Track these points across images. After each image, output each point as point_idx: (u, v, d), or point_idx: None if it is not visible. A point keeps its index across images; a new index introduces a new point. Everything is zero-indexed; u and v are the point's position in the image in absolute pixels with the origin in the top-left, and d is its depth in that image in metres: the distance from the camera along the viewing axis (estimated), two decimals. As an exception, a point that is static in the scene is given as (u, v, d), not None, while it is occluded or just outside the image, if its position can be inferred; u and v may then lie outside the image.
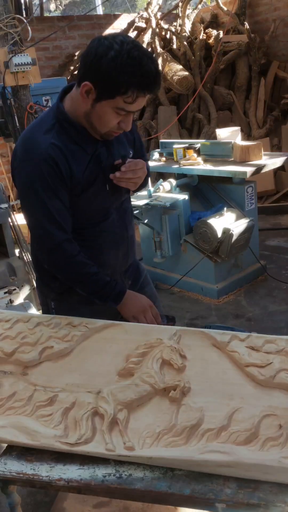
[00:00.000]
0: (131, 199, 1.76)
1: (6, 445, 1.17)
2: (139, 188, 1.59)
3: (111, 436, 1.09)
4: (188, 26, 6.37)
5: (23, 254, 3.31)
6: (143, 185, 1.60)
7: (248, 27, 5.79)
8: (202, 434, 1.05)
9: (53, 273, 1.49)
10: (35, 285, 3.33)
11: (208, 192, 3.89)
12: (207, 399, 1.13)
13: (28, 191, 1.36)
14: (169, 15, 7.11)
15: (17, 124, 2.96)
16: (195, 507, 1.04)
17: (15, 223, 3.28)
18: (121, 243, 1.56)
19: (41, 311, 3.27)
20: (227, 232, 3.29)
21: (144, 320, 1.46)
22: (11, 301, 2.97)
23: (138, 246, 2.53)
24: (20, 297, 3.05)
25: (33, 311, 2.95)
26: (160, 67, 1.33)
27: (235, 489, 0.98)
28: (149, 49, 6.46)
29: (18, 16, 2.74)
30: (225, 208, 3.46)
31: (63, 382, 1.25)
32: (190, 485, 1.00)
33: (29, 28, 2.76)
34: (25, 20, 2.71)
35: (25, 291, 3.14)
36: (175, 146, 3.95)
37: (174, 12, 6.97)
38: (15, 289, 3.04)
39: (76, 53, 6.60)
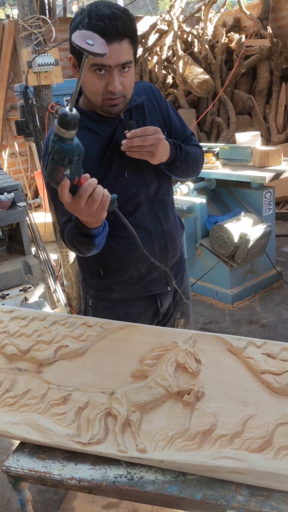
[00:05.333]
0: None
1: (19, 441, 1.18)
2: (177, 171, 1.46)
3: (124, 437, 1.09)
4: (210, 30, 6.37)
5: (39, 253, 3.34)
6: (177, 163, 1.43)
7: (270, 31, 5.76)
8: (215, 439, 1.04)
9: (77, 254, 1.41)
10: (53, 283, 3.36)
11: (225, 196, 3.88)
12: (221, 405, 1.13)
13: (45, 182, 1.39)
14: (191, 18, 7.11)
15: (38, 124, 2.98)
16: (206, 513, 1.03)
17: (32, 222, 3.31)
18: (156, 237, 1.48)
19: (55, 309, 3.31)
20: (243, 237, 3.27)
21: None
22: (26, 299, 3.00)
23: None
24: (35, 295, 3.08)
25: (48, 309, 2.98)
26: (120, 10, 1.24)
27: (247, 497, 0.97)
28: (170, 52, 6.48)
29: (42, 16, 2.77)
30: (242, 213, 3.44)
31: (77, 382, 1.26)
32: (201, 490, 1.00)
33: (53, 29, 2.78)
34: (49, 21, 2.73)
35: (40, 290, 3.17)
36: (193, 149, 3.94)
37: (197, 15, 6.98)
38: (30, 287, 3.06)
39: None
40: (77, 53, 1.25)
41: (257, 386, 1.16)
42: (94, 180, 1.12)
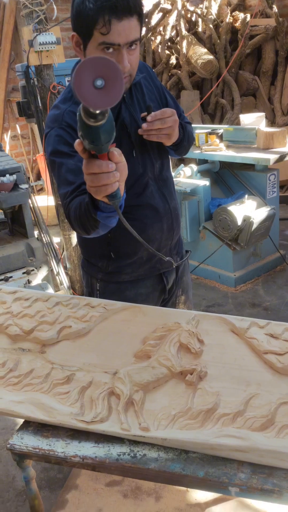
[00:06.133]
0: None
1: (23, 420, 1.19)
2: (181, 149, 1.50)
3: (127, 416, 1.10)
4: (214, 9, 6.23)
5: (42, 236, 3.33)
6: (184, 143, 1.49)
7: (276, 10, 5.63)
8: (218, 418, 1.05)
9: (81, 235, 1.33)
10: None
11: (229, 179, 3.85)
12: (223, 384, 1.13)
13: (49, 157, 1.36)
14: (196, -3, 6.96)
15: (39, 104, 2.95)
16: (208, 490, 1.04)
17: (35, 205, 3.30)
18: (164, 216, 1.50)
19: (58, 292, 3.32)
20: (247, 220, 3.26)
21: None
22: (29, 282, 3.01)
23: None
24: (38, 277, 3.08)
25: (51, 291, 2.98)
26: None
27: (249, 474, 0.98)
28: (174, 32, 6.37)
29: (43, -6, 2.72)
30: (246, 196, 3.42)
31: (80, 362, 1.26)
32: (204, 468, 1.01)
33: (54, 7, 2.73)
34: (50, -1, 2.69)
35: (43, 272, 3.17)
36: (197, 131, 3.91)
37: (201, -6, 6.83)
38: (33, 270, 3.07)
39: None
40: (80, 31, 1.22)
41: (259, 366, 1.16)
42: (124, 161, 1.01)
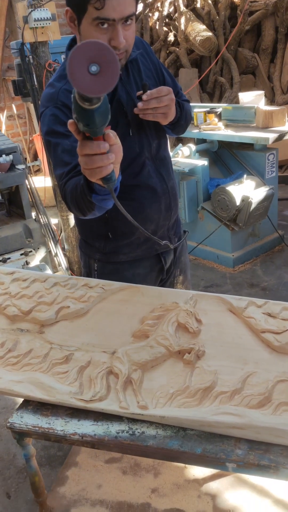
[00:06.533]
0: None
1: (22, 400, 1.20)
2: (178, 128, 1.49)
3: (125, 394, 1.11)
4: (213, -17, 6.09)
5: (40, 217, 3.32)
6: (181, 121, 1.47)
7: (276, -15, 5.50)
8: (215, 396, 1.06)
9: (77, 215, 1.31)
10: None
11: (228, 159, 3.82)
12: (221, 363, 1.14)
13: (44, 137, 1.34)
14: (194, -29, 6.78)
15: (35, 83, 2.90)
16: (205, 466, 1.06)
17: (32, 186, 3.27)
18: (162, 196, 1.49)
19: (57, 273, 3.31)
20: (246, 200, 3.24)
21: None
22: (27, 263, 3.01)
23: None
24: (36, 259, 3.08)
25: (49, 273, 2.98)
26: None
27: (246, 450, 1.00)
28: (172, 8, 6.23)
29: None
30: (244, 176, 3.39)
31: (79, 342, 1.27)
32: (201, 444, 1.02)
33: (49, -19, 2.66)
34: (45, -27, 2.61)
35: (41, 253, 3.17)
36: (195, 110, 3.85)
37: None
38: (31, 251, 3.07)
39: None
40: (74, 6, 1.19)
41: (257, 345, 1.17)
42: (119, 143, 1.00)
